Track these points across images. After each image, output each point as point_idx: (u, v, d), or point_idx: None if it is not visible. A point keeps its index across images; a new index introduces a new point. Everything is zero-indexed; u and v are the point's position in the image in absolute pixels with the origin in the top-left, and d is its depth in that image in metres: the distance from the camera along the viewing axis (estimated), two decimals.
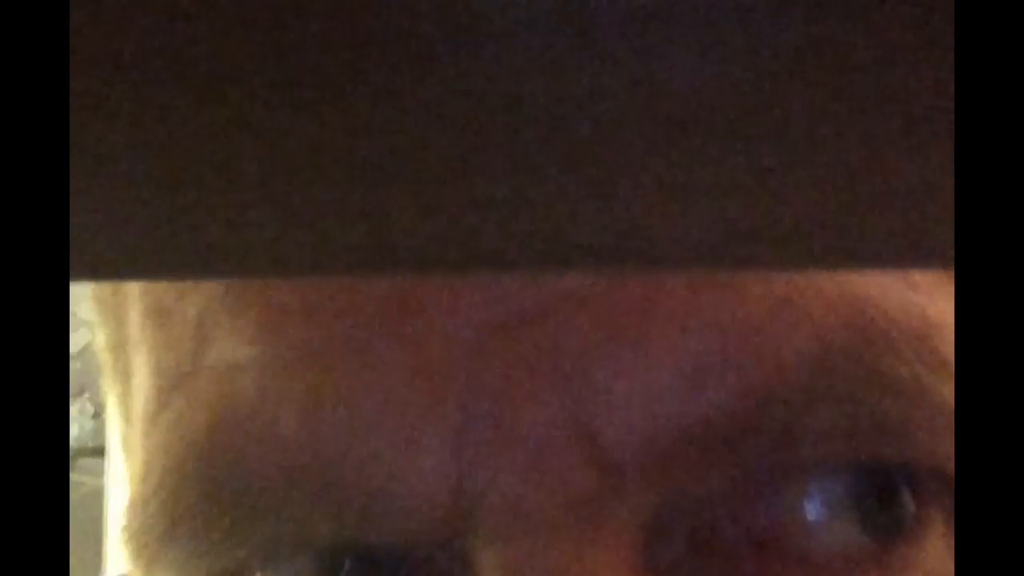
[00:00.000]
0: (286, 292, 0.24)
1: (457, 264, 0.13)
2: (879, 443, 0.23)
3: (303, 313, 0.23)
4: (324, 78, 0.12)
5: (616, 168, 0.12)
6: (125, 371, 0.29)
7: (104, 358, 0.31)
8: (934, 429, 0.23)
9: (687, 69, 0.11)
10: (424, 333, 0.23)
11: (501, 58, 0.11)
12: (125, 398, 0.29)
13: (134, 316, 0.28)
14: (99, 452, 1.83)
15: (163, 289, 0.26)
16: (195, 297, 0.25)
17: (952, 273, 0.13)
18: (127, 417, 0.29)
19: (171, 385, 0.25)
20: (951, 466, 0.24)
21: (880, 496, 0.24)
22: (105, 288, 0.30)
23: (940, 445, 0.23)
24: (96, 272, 0.15)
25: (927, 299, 0.24)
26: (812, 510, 0.24)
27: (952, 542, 0.24)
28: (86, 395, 1.84)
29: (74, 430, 1.86)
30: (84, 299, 0.31)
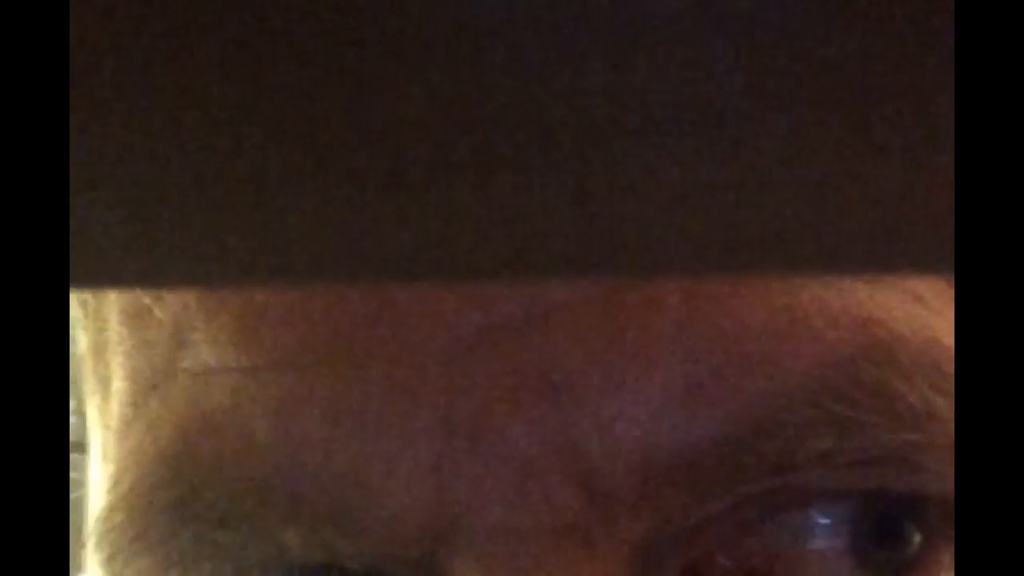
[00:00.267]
0: (264, 296, 0.23)
1: (436, 272, 0.13)
2: (884, 473, 0.22)
3: (280, 318, 0.23)
4: (299, 86, 0.11)
5: (598, 175, 0.11)
6: (104, 376, 0.28)
7: (85, 364, 0.30)
8: (943, 458, 0.22)
9: (670, 74, 0.11)
10: (405, 341, 0.22)
11: (478, 64, 0.11)
12: (104, 404, 0.29)
13: (113, 319, 0.27)
14: (80, 448, 1.82)
15: (141, 291, 0.25)
16: (172, 300, 0.24)
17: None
18: (105, 424, 0.29)
19: (146, 389, 0.25)
20: None
21: (883, 531, 0.23)
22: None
23: (950, 475, 0.22)
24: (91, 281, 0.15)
25: (934, 315, 0.22)
26: (811, 543, 0.23)
27: None
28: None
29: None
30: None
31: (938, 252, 0.11)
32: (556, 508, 0.21)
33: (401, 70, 0.11)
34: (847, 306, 0.22)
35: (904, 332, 0.22)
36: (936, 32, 0.11)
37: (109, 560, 0.26)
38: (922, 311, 0.22)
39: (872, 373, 0.22)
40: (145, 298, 0.25)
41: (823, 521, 0.23)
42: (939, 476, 0.23)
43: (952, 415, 0.22)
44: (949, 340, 0.22)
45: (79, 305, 0.30)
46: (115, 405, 0.27)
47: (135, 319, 0.26)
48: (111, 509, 0.25)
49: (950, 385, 0.22)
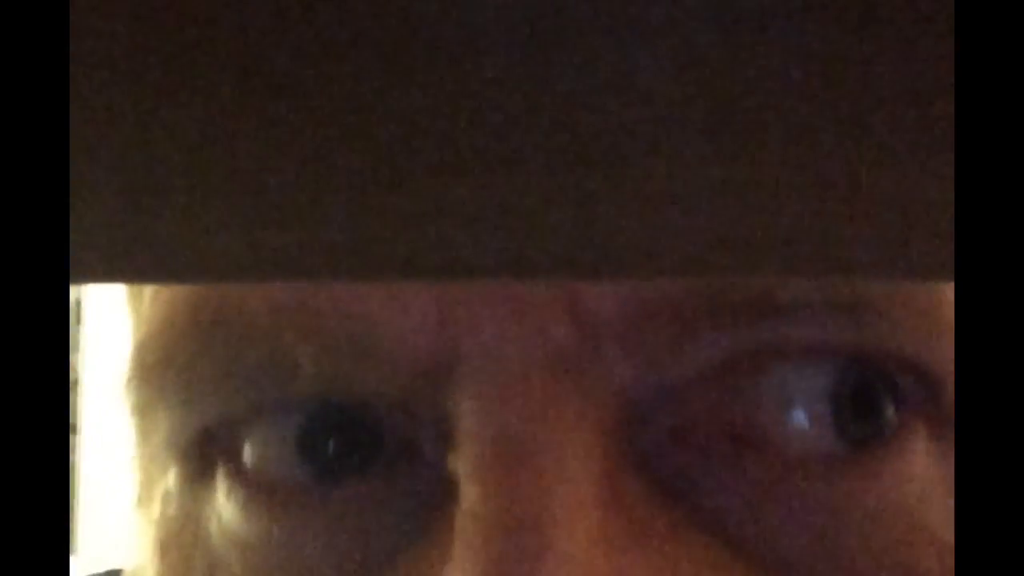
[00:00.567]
0: None
1: (433, 271, 0.13)
2: (862, 325, 0.23)
3: None
4: (298, 85, 0.11)
5: (596, 176, 0.11)
6: None
7: None
8: (920, 320, 0.23)
9: (669, 76, 0.11)
10: None
11: (478, 64, 0.11)
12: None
13: None
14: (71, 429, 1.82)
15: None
16: None
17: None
18: (136, 294, 0.29)
19: None
20: (936, 370, 0.23)
21: (860, 402, 0.23)
22: None
23: (925, 341, 0.23)
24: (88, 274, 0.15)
25: None
26: (791, 413, 0.23)
27: (936, 450, 0.24)
28: None
29: None
30: None
31: (938, 258, 0.11)
32: (548, 338, 0.22)
33: (401, 68, 0.11)
34: None
35: None
36: (937, 36, 0.11)
37: (136, 401, 0.27)
38: None
39: None
40: None
41: (803, 391, 0.23)
42: (914, 338, 0.23)
43: (924, 289, 0.23)
44: None
45: None
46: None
47: None
48: (140, 350, 0.26)
49: None
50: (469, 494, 0.22)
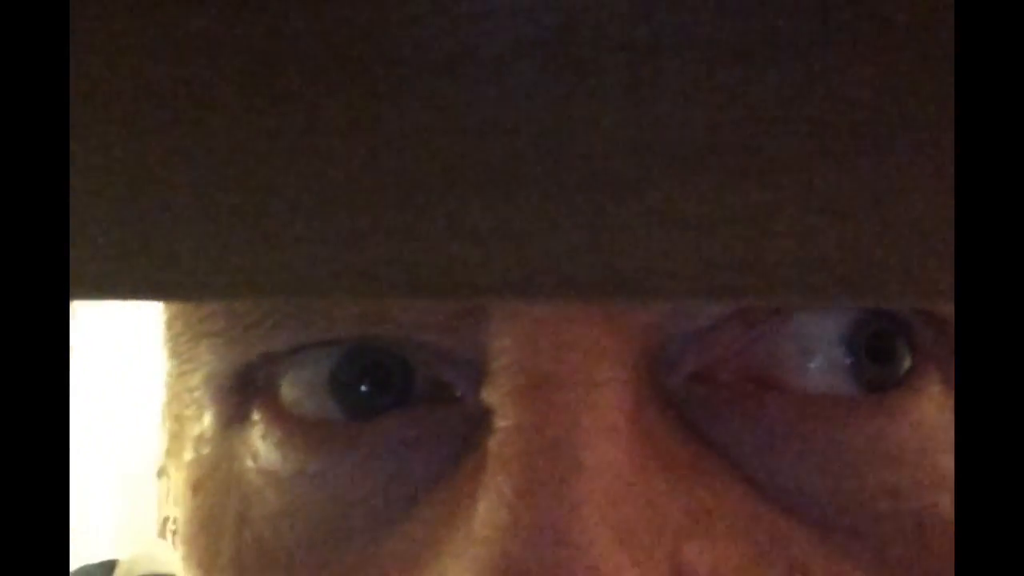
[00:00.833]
0: None
1: (441, 290, 0.13)
2: None
3: None
4: (306, 102, 0.11)
5: (606, 198, 0.12)
6: None
7: None
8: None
9: (680, 102, 0.11)
10: None
11: (490, 86, 0.11)
12: None
13: None
14: None
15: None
16: None
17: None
18: None
19: None
20: (949, 316, 0.24)
21: (875, 348, 0.24)
22: None
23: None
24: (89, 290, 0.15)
25: None
26: (809, 357, 0.24)
27: (949, 394, 0.24)
28: None
29: None
30: None
31: (939, 284, 0.12)
32: None
33: (412, 87, 0.11)
34: None
35: None
36: (936, 64, 0.11)
37: (176, 341, 0.27)
38: None
39: None
40: None
41: (821, 336, 0.24)
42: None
43: None
44: None
45: None
46: None
47: None
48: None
49: None
50: (503, 419, 0.22)
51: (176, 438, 0.29)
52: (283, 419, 0.25)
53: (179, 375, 0.28)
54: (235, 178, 0.12)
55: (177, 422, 0.29)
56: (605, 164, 0.11)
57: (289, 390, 0.25)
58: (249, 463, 0.26)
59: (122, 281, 0.13)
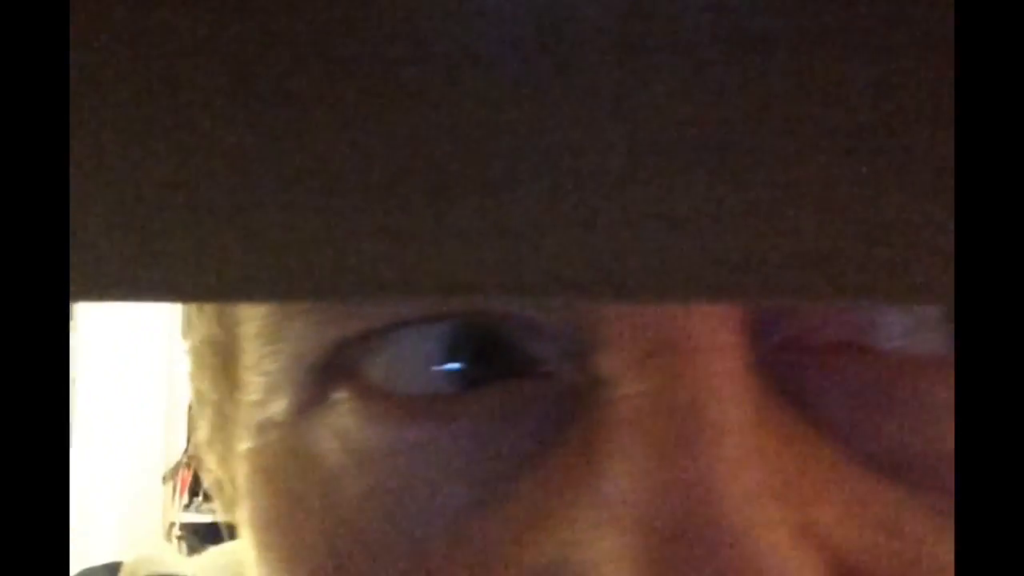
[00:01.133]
0: None
1: (433, 290, 0.13)
2: None
3: None
4: (298, 103, 0.11)
5: (597, 197, 0.11)
6: None
7: None
8: None
9: (671, 99, 0.11)
10: None
11: (481, 85, 0.11)
12: None
13: None
14: None
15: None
16: None
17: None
18: None
19: None
20: None
21: None
22: None
23: None
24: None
25: None
26: (897, 316, 0.24)
27: None
28: None
29: None
30: None
31: (938, 283, 0.11)
32: None
33: (402, 87, 0.11)
34: None
35: None
36: (936, 59, 0.10)
37: (266, 319, 0.26)
38: None
39: None
40: None
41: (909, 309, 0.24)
42: None
43: None
44: None
45: None
46: None
47: None
48: None
49: None
50: (626, 386, 0.22)
51: (220, 429, 0.29)
52: (376, 396, 0.25)
53: (258, 359, 0.27)
54: (226, 182, 0.12)
55: (223, 413, 0.29)
56: (596, 162, 0.11)
57: (381, 366, 0.25)
58: (333, 443, 0.26)
59: (122, 282, 0.13)
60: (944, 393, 0.23)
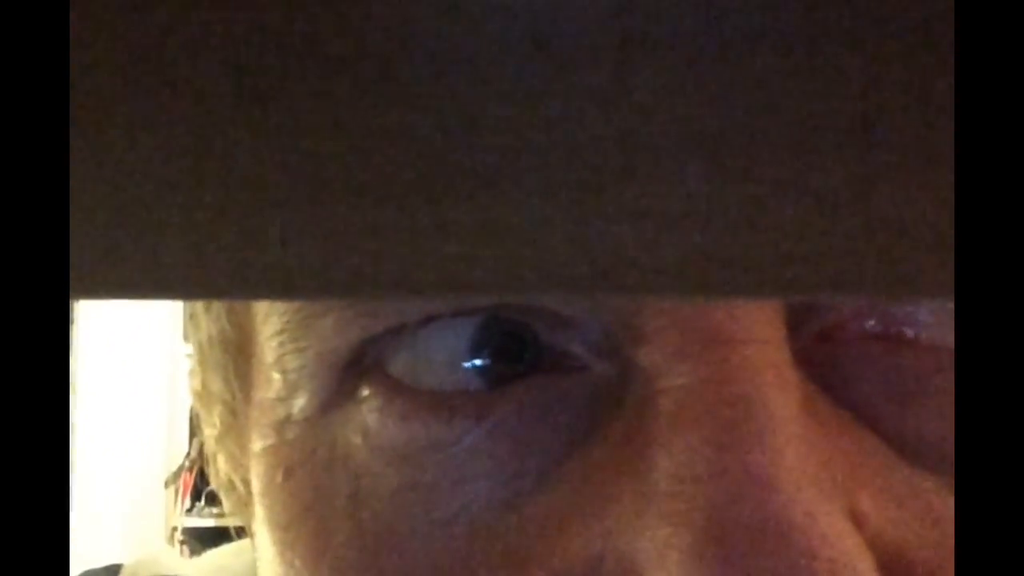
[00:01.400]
0: None
1: (429, 288, 0.13)
2: None
3: None
4: (294, 102, 0.11)
5: (590, 194, 0.11)
6: None
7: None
8: None
9: (664, 95, 0.11)
10: None
11: (471, 82, 0.11)
12: None
13: None
14: None
15: None
16: None
17: None
18: None
19: None
20: None
21: None
22: None
23: None
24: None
25: None
26: (928, 306, 0.24)
27: None
28: None
29: None
30: None
31: (937, 278, 0.11)
32: None
33: (397, 85, 0.11)
34: None
35: None
36: (938, 54, 0.11)
37: (291, 317, 0.26)
38: None
39: None
40: None
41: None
42: None
43: None
44: None
45: None
46: None
47: None
48: None
49: None
50: (674, 377, 0.22)
51: (232, 429, 0.29)
52: (403, 392, 0.25)
53: (278, 357, 0.27)
54: (223, 180, 0.12)
55: (234, 412, 0.29)
56: (590, 159, 0.11)
57: (404, 364, 0.25)
58: (358, 440, 0.25)
59: (122, 281, 0.13)
60: None
